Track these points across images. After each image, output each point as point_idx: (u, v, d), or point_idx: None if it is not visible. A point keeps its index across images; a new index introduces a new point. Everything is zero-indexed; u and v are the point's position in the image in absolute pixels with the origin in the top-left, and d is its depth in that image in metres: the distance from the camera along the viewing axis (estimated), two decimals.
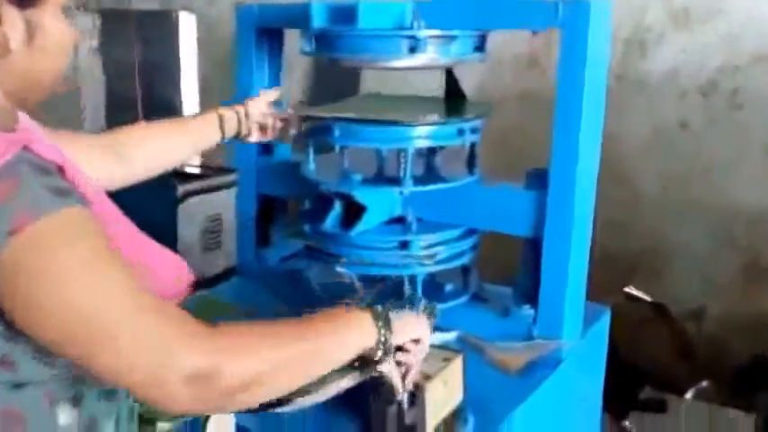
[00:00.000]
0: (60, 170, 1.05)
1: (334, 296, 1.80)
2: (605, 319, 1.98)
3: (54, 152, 1.07)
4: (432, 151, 1.95)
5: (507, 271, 1.92)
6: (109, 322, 0.99)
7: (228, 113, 1.74)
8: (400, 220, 1.88)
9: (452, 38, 1.73)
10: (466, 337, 1.77)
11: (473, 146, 1.88)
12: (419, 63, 1.74)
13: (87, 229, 1.02)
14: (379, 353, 1.27)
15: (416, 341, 1.36)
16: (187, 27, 4.91)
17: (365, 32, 1.70)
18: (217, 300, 2.06)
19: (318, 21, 1.73)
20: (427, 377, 1.39)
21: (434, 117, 1.76)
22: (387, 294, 1.86)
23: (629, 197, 3.38)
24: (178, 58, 5.01)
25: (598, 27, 1.63)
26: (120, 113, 5.35)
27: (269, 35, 2.08)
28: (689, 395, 2.94)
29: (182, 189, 4.09)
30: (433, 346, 1.53)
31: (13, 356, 1.05)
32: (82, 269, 0.99)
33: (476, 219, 1.86)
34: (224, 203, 4.12)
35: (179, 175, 4.40)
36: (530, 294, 1.79)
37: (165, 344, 1.00)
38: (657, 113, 3.29)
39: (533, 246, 1.78)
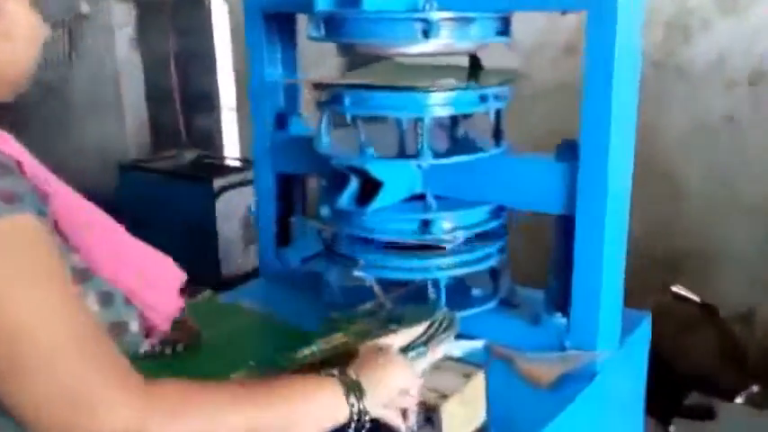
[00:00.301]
0: (18, 166, 0.93)
1: (354, 301, 1.72)
2: (645, 326, 1.84)
3: (10, 145, 0.95)
4: (454, 123, 1.81)
5: (541, 273, 1.80)
6: (30, 348, 0.84)
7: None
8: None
9: (470, 20, 1.60)
10: (493, 347, 1.66)
11: (498, 115, 1.74)
12: (434, 48, 1.62)
13: (31, 241, 0.89)
14: (354, 425, 1.10)
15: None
16: (220, 16, 4.84)
17: (374, 15, 1.58)
18: (236, 303, 1.97)
19: (323, 3, 1.61)
20: (444, 396, 1.28)
21: (452, 82, 1.62)
22: (408, 299, 1.75)
23: (670, 193, 3.21)
24: (213, 48, 4.97)
25: (627, 8, 1.49)
26: (158, 104, 5.34)
27: (278, 21, 1.98)
28: (738, 400, 2.80)
29: (218, 183, 4.05)
30: (454, 358, 1.43)
31: None
32: (13, 283, 0.86)
33: (502, 194, 1.71)
34: None
35: (215, 170, 4.39)
36: (561, 300, 1.67)
37: (88, 391, 0.85)
38: (701, 104, 3.12)
39: (565, 231, 1.64)
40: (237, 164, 4.61)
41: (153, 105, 5.44)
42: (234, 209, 4.12)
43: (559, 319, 1.66)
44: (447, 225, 1.70)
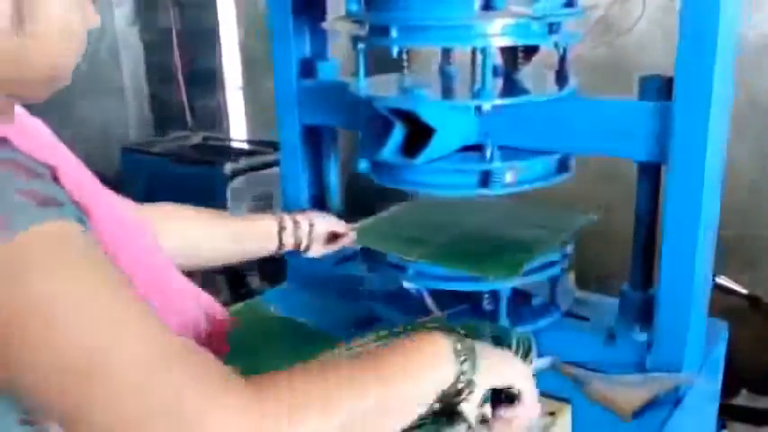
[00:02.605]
0: (52, 173, 0.80)
1: (399, 313, 1.52)
2: (724, 339, 1.65)
3: (47, 150, 0.83)
4: (511, 66, 1.60)
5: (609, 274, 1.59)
6: (114, 371, 0.72)
7: (290, 225, 1.56)
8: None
9: None
10: (563, 366, 1.46)
11: (564, 53, 1.53)
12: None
13: (84, 250, 0.76)
14: (460, 387, 0.96)
15: (510, 397, 1.04)
16: None
17: None
18: (265, 311, 1.77)
19: None
20: None
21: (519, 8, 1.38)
22: (463, 315, 1.55)
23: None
24: (217, 23, 4.74)
25: None
26: (160, 84, 5.15)
27: None
28: None
29: (230, 167, 3.87)
30: None
31: None
32: (77, 301, 0.73)
33: (576, 142, 1.45)
34: (275, 180, 3.93)
35: (227, 153, 4.21)
36: (640, 311, 1.47)
37: (191, 403, 0.72)
38: (754, 82, 2.90)
39: (645, 251, 1.44)
40: (245, 146, 4.40)
41: (154, 85, 5.25)
42: (245, 194, 3.93)
43: (639, 334, 1.46)
44: (510, 178, 1.47)
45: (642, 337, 1.46)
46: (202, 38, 4.83)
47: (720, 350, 1.63)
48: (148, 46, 5.18)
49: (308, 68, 1.78)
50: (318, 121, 1.80)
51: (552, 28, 1.43)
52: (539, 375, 1.34)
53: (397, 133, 1.44)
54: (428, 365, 0.93)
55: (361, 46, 1.50)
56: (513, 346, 1.15)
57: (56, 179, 0.80)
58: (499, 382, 1.02)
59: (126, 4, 5.08)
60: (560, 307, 1.59)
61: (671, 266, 1.38)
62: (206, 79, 4.92)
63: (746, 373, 2.70)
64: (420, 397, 0.92)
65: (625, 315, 1.49)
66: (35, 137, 0.91)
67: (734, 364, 2.68)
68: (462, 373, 0.95)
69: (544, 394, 1.20)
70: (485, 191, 1.46)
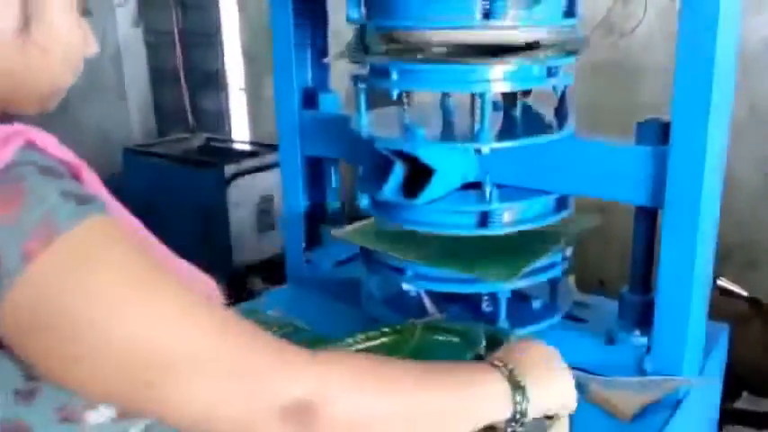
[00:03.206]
0: (74, 171, 0.81)
1: (398, 315, 1.52)
2: (724, 342, 1.64)
3: (64, 149, 0.81)
4: (510, 102, 1.60)
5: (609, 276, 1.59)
6: (183, 352, 0.76)
7: None
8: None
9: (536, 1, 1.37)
10: None
11: (564, 92, 1.53)
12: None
13: (124, 240, 0.78)
14: (510, 430, 0.98)
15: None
16: None
17: None
18: (264, 314, 1.76)
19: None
20: None
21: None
22: (460, 316, 1.55)
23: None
24: (220, 24, 4.75)
25: None
26: (162, 85, 5.16)
27: None
28: None
29: (230, 170, 3.87)
30: None
31: (29, 421, 0.79)
32: (130, 290, 0.75)
33: (574, 183, 1.47)
34: (276, 183, 3.94)
35: (225, 154, 4.21)
36: (640, 316, 1.46)
37: (259, 372, 0.79)
38: (755, 88, 2.90)
39: (646, 229, 1.45)
40: (248, 147, 4.41)
41: (157, 86, 5.25)
42: (246, 196, 3.94)
43: (638, 337, 1.46)
44: (508, 218, 1.49)
45: (642, 340, 1.45)
46: (205, 39, 4.84)
47: (721, 353, 1.62)
48: (151, 47, 5.19)
49: (310, 98, 1.81)
50: (320, 152, 1.84)
51: (551, 71, 1.44)
52: None
53: (398, 172, 1.47)
54: (488, 397, 0.96)
55: (362, 86, 1.52)
56: None
57: (77, 178, 0.80)
58: (549, 406, 1.04)
59: (128, 5, 5.08)
60: (560, 309, 1.59)
61: (669, 270, 1.38)
62: (208, 81, 4.93)
63: (747, 375, 2.70)
64: (471, 421, 0.95)
65: (625, 318, 1.49)
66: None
67: (734, 367, 2.71)
68: (517, 412, 0.97)
69: None
70: (483, 231, 1.48)
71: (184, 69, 4.98)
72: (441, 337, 1.34)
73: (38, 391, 0.78)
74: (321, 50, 1.83)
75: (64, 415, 0.80)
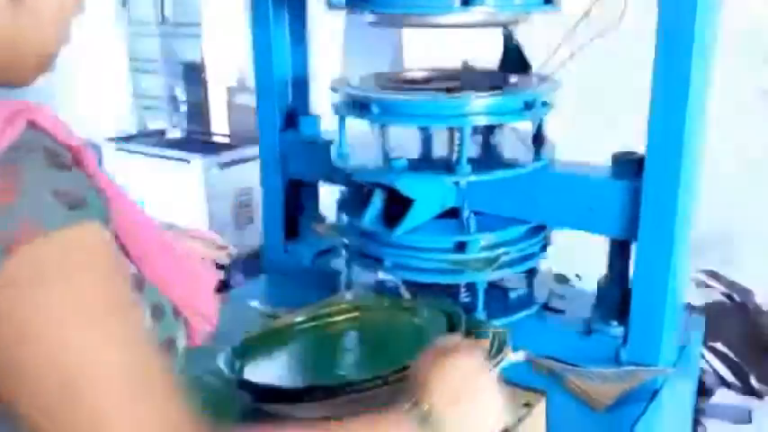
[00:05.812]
0: (76, 155, 0.78)
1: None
2: (700, 332, 1.65)
3: (66, 129, 0.78)
4: (488, 131, 1.62)
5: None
6: (95, 399, 0.71)
7: None
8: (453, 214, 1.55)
9: None
10: (538, 361, 1.45)
11: (540, 123, 1.55)
12: (473, 19, 1.41)
13: (98, 257, 0.75)
14: None
15: None
16: None
17: None
18: (243, 303, 1.74)
19: None
20: None
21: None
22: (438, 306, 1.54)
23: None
24: (200, 15, 4.72)
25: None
26: (142, 76, 5.13)
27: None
28: None
29: (208, 162, 3.84)
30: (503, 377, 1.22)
31: None
32: (71, 315, 0.71)
33: (548, 214, 1.51)
34: (255, 176, 3.94)
35: (205, 147, 4.19)
36: (617, 307, 1.47)
37: None
38: (733, 79, 2.90)
39: (621, 248, 1.45)
40: (227, 140, 4.38)
41: (137, 77, 5.22)
42: (225, 189, 3.92)
43: (615, 328, 1.46)
44: (485, 245, 1.50)
45: (618, 330, 1.46)
46: (185, 29, 4.81)
47: (697, 345, 1.63)
48: (131, 37, 5.15)
49: (290, 120, 1.82)
50: (300, 174, 1.85)
51: (527, 105, 1.45)
52: (514, 367, 1.35)
53: (377, 201, 1.49)
54: None
55: (342, 115, 1.53)
56: (490, 341, 1.15)
57: (78, 163, 0.78)
58: None
59: None
60: (537, 300, 1.59)
61: (645, 262, 1.38)
62: (188, 72, 4.90)
63: (726, 370, 2.72)
64: None
65: (601, 308, 1.49)
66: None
67: (710, 362, 2.72)
68: None
69: (519, 385, 1.20)
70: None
71: (165, 61, 4.95)
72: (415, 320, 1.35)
73: None
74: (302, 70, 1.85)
75: None
